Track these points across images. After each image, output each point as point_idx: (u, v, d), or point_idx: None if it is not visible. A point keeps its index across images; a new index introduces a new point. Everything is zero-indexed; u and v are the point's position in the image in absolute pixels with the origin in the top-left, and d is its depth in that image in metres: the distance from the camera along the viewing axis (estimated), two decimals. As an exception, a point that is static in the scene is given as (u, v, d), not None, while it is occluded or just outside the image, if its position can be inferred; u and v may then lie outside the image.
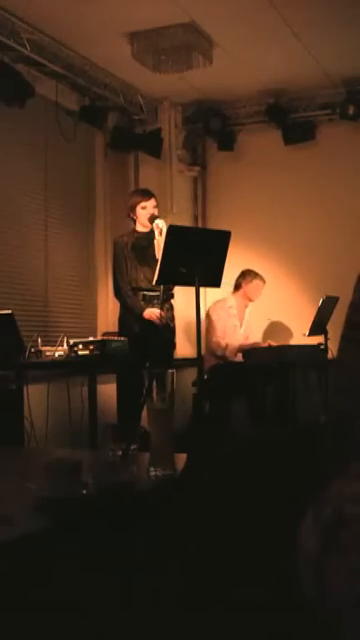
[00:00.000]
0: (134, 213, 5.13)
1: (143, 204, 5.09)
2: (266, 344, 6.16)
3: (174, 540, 1.48)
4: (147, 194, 5.20)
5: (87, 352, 4.46)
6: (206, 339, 6.07)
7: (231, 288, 6.12)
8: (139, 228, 5.14)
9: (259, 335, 6.60)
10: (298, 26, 5.27)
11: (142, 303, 5.05)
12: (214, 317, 6.09)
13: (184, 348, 6.30)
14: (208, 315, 6.16)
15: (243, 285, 6.15)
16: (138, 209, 5.10)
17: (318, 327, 5.62)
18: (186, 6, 4.97)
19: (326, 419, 5.54)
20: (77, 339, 4.55)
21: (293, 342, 6.36)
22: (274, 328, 6.80)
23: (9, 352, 4.22)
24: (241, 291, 6.17)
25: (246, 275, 6.16)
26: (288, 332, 6.73)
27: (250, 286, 6.15)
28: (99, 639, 1.38)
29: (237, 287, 6.18)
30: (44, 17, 5.07)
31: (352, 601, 0.73)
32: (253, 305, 6.32)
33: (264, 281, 6.19)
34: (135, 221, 5.16)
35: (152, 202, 5.10)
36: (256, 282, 6.16)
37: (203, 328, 5.42)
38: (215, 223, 6.90)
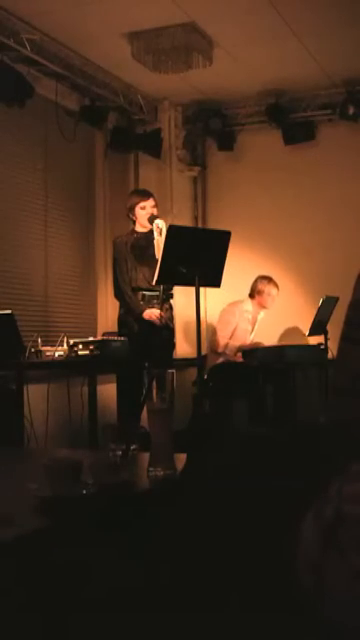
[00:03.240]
0: (133, 213, 5.14)
1: (142, 204, 5.09)
2: (266, 344, 6.16)
3: (174, 540, 1.48)
4: (146, 194, 5.20)
5: (87, 352, 4.46)
6: (212, 337, 6.09)
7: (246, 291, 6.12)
8: (138, 228, 5.15)
9: (267, 340, 6.57)
10: (298, 26, 5.27)
11: (142, 303, 5.05)
12: (227, 317, 6.06)
13: (184, 348, 6.30)
14: (222, 313, 6.13)
15: (257, 294, 6.10)
16: (137, 209, 5.11)
17: (318, 327, 5.62)
18: (186, 6, 4.97)
19: (326, 419, 5.53)
20: (77, 339, 4.55)
21: (293, 342, 6.36)
22: (274, 328, 6.80)
23: (9, 352, 4.22)
24: (257, 298, 6.13)
25: (259, 283, 6.10)
26: (288, 332, 6.73)
27: (264, 295, 6.09)
28: (100, 639, 1.39)
29: (255, 293, 6.12)
30: (44, 17, 5.07)
31: (351, 600, 0.73)
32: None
33: (278, 288, 6.14)
34: (134, 221, 5.16)
35: (151, 202, 5.10)
36: (269, 290, 6.09)
37: (203, 328, 5.41)
38: (215, 223, 6.89)
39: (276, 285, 6.12)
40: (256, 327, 6.24)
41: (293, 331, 6.65)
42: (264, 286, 6.09)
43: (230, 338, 6.04)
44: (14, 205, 5.55)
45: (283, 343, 6.38)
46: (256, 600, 1.22)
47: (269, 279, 6.12)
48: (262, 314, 6.24)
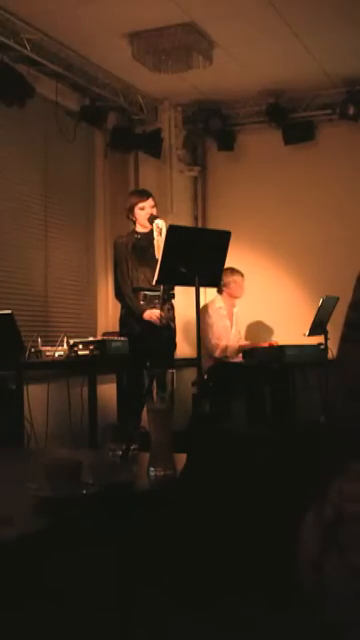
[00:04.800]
0: (133, 214, 5.14)
1: (141, 205, 5.10)
2: (267, 344, 6.16)
3: (174, 540, 1.48)
4: (144, 194, 5.20)
5: (87, 352, 4.46)
6: (202, 342, 6.07)
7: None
8: (139, 229, 5.15)
9: (252, 336, 6.61)
10: (298, 26, 5.27)
11: (142, 304, 5.05)
12: (208, 320, 6.08)
13: (182, 348, 6.30)
14: (201, 318, 6.15)
15: (224, 287, 6.14)
16: (136, 210, 5.11)
17: (318, 327, 5.62)
18: (186, 6, 4.97)
19: (326, 419, 5.54)
20: (77, 339, 4.55)
21: (293, 342, 6.36)
22: (274, 328, 6.80)
23: (9, 352, 4.22)
24: (225, 291, 6.16)
25: (229, 274, 6.12)
26: (288, 332, 6.73)
27: (231, 286, 6.13)
28: (99, 638, 1.39)
29: (222, 287, 6.14)
30: (44, 17, 5.07)
31: (351, 599, 0.73)
32: (252, 304, 6.31)
33: (242, 275, 6.18)
34: (135, 222, 5.17)
35: (150, 202, 5.11)
36: (234, 279, 6.13)
37: (203, 329, 5.42)
38: (215, 223, 6.90)
39: (240, 273, 6.15)
40: (234, 320, 6.25)
41: (293, 331, 6.64)
42: (228, 277, 6.10)
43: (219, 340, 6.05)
44: (14, 205, 5.55)
45: (283, 343, 6.38)
46: (256, 599, 1.22)
47: (232, 269, 6.12)
48: (237, 307, 6.25)
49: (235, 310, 6.27)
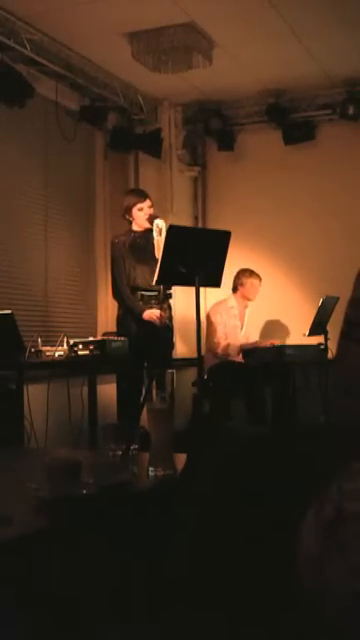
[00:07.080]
0: (130, 214, 5.13)
1: (139, 205, 5.09)
2: (268, 343, 6.16)
3: (174, 540, 1.48)
4: (143, 195, 5.20)
5: (87, 352, 4.45)
6: (207, 340, 6.07)
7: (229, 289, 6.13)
8: (135, 228, 5.14)
9: (256, 336, 6.61)
10: (298, 26, 5.27)
11: (141, 304, 5.04)
12: (215, 319, 6.08)
13: (181, 348, 6.30)
14: (208, 316, 6.14)
15: (239, 286, 6.15)
16: (134, 210, 5.10)
17: (318, 327, 5.62)
18: (186, 6, 4.97)
19: (326, 419, 5.55)
20: (77, 339, 4.55)
21: (293, 342, 6.36)
22: (274, 328, 6.80)
23: (9, 352, 4.22)
24: (239, 292, 6.16)
25: (241, 275, 6.14)
26: (288, 332, 6.73)
27: (247, 286, 6.14)
28: (100, 639, 1.38)
29: (235, 288, 6.17)
30: (44, 17, 5.07)
31: (352, 599, 0.73)
32: (252, 304, 6.31)
33: (260, 279, 6.18)
34: (131, 222, 5.16)
35: (148, 203, 5.11)
36: (252, 281, 6.14)
37: (203, 328, 5.41)
38: (215, 223, 6.89)
39: (258, 277, 6.15)
40: (245, 321, 6.24)
41: (293, 331, 6.65)
42: (246, 278, 6.12)
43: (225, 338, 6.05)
44: (14, 205, 5.55)
45: (283, 343, 6.38)
46: (256, 600, 1.22)
47: (250, 272, 6.14)
48: (249, 308, 6.25)
49: (247, 311, 6.26)
